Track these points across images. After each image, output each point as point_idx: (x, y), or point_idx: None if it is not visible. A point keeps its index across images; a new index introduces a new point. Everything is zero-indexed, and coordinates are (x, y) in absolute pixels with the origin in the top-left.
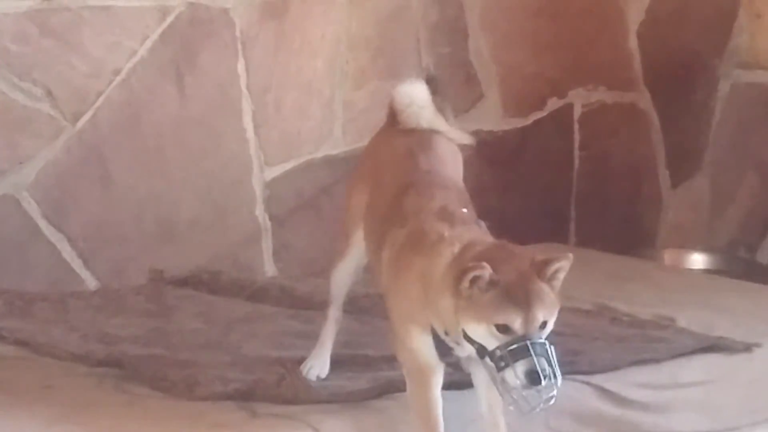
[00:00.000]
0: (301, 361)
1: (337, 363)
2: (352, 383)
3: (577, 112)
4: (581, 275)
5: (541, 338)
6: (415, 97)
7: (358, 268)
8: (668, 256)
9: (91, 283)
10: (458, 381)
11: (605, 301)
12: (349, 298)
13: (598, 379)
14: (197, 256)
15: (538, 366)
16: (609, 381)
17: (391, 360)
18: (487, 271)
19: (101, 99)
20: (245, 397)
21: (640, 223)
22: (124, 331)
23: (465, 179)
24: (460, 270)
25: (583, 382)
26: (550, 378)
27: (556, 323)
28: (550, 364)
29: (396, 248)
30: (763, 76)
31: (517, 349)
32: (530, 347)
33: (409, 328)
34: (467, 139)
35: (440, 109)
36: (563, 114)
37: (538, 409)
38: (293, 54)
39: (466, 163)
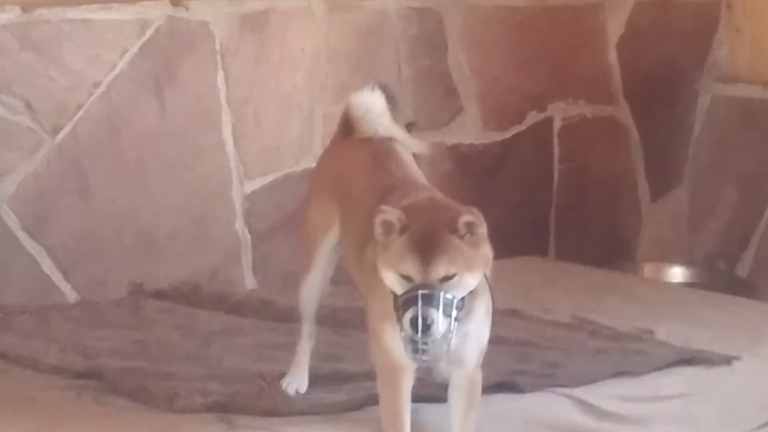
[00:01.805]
0: (281, 373)
1: (316, 377)
2: (331, 396)
3: (557, 125)
4: (560, 288)
5: (442, 291)
6: (373, 104)
7: (325, 280)
8: (648, 270)
9: (71, 295)
10: (435, 395)
11: (584, 314)
12: (329, 311)
13: (577, 392)
14: (177, 269)
15: (420, 313)
16: (588, 394)
17: (371, 373)
18: (392, 215)
19: (81, 112)
20: (224, 409)
21: (620, 236)
22: (104, 343)
23: (444, 193)
24: (375, 217)
25: (562, 394)
26: (436, 330)
27: (534, 335)
28: (449, 316)
29: (372, 248)
30: (742, 90)
31: (408, 298)
32: (419, 297)
33: (384, 326)
34: (423, 148)
35: (394, 119)
36: (543, 127)
37: (422, 359)
38: (273, 67)
39: (446, 177)
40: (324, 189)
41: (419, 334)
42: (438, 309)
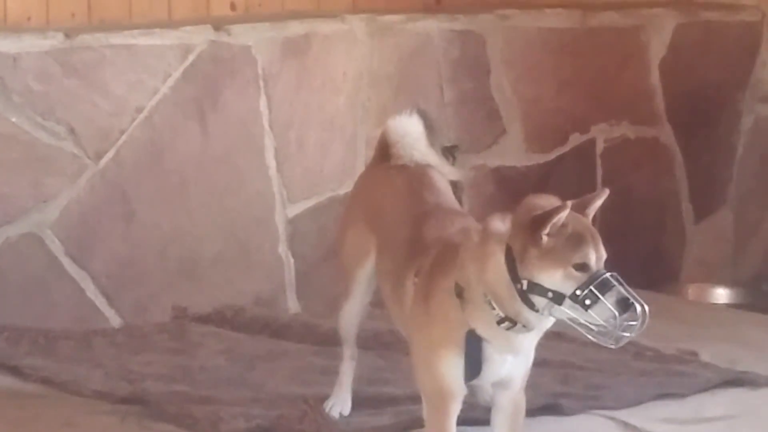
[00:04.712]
0: (324, 397)
1: (360, 400)
2: (375, 419)
3: (600, 147)
4: None
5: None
6: (410, 129)
7: (364, 305)
8: (692, 291)
9: (115, 320)
10: (478, 417)
11: None
12: (373, 334)
13: (621, 414)
14: (220, 293)
15: (627, 293)
16: (633, 416)
17: (415, 396)
18: (567, 210)
19: (124, 137)
20: None
21: (664, 257)
22: (148, 368)
23: (487, 215)
24: (536, 221)
25: (606, 417)
26: (641, 304)
27: (578, 358)
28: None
29: (423, 276)
30: None
31: (601, 283)
32: (613, 279)
33: (440, 353)
34: (457, 175)
35: (431, 144)
36: (586, 149)
37: (626, 338)
38: (315, 91)
39: (489, 199)
40: (359, 217)
41: (636, 311)
42: (623, 286)
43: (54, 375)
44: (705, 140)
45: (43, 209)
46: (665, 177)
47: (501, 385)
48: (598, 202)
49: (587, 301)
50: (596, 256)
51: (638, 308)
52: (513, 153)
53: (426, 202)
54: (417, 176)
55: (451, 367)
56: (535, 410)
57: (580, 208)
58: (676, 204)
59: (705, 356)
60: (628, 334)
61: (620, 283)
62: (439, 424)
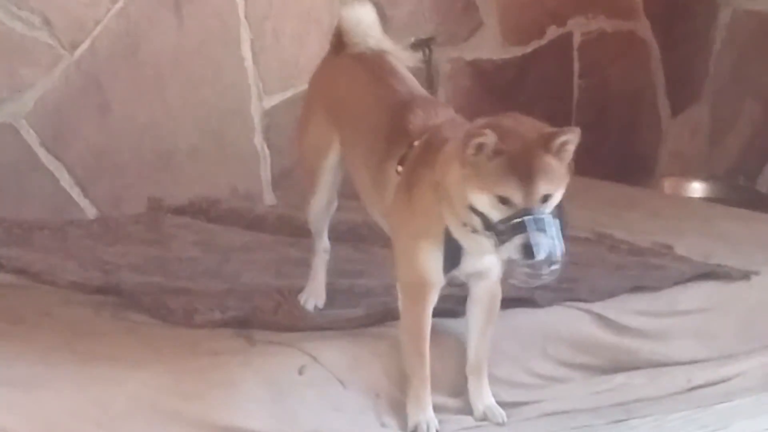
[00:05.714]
0: (299, 289)
1: (334, 292)
2: (350, 311)
3: (577, 40)
4: (580, 203)
5: (543, 212)
6: (362, 17)
7: (332, 197)
8: (668, 185)
9: (90, 211)
10: (452, 309)
11: (603, 228)
12: (348, 227)
13: (596, 306)
14: (196, 184)
15: (532, 240)
16: (607, 308)
17: (389, 288)
18: (491, 138)
19: (99, 28)
20: (243, 324)
21: (640, 151)
22: (123, 259)
23: (463, 108)
24: (465, 137)
25: (581, 309)
26: (551, 253)
27: None
28: (554, 238)
29: (408, 165)
30: (763, 4)
31: (515, 224)
32: (527, 223)
33: (420, 244)
34: (413, 60)
35: (384, 32)
36: (563, 42)
37: (535, 284)
38: None
39: (465, 92)
40: (319, 109)
41: (535, 260)
42: (544, 232)
43: (29, 265)
44: (682, 34)
45: (17, 99)
46: (642, 71)
47: (478, 275)
48: (563, 138)
49: (503, 237)
50: (523, 192)
51: (538, 257)
52: (490, 46)
53: (396, 90)
54: (377, 63)
55: (431, 259)
56: (509, 302)
57: (546, 141)
58: (652, 98)
59: (680, 249)
60: (531, 280)
61: (541, 230)
62: (415, 315)
